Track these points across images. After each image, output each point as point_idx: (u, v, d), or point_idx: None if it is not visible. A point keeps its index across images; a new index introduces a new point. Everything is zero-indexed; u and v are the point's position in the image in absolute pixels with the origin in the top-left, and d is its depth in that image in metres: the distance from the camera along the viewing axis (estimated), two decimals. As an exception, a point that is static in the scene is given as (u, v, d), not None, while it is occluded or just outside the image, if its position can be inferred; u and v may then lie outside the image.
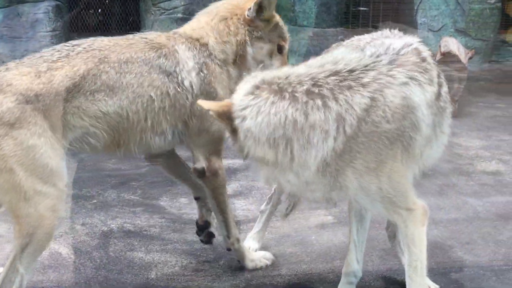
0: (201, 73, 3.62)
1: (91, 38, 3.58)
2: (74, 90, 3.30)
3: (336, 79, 2.87)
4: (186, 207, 4.97)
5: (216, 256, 4.16)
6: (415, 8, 11.12)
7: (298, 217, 4.72)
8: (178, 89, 3.57)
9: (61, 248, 4.25)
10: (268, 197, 4.23)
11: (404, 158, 2.96)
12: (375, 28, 11.21)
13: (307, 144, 2.82)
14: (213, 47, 3.67)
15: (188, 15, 10.37)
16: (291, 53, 10.49)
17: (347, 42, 3.64)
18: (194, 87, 3.59)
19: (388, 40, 3.23)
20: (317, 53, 10.65)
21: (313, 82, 2.86)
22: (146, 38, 3.64)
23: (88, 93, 3.34)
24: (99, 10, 11.19)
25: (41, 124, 3.19)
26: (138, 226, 4.61)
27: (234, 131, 2.92)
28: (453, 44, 8.11)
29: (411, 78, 2.96)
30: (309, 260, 4.15)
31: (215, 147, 3.72)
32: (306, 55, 10.47)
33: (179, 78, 3.56)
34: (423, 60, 3.11)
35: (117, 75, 3.41)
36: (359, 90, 2.85)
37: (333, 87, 2.84)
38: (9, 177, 3.12)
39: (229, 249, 3.96)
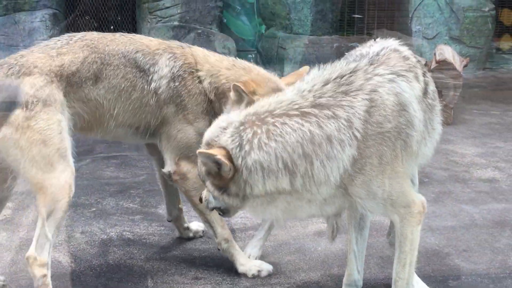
0: (172, 83, 3.84)
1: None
2: (76, 75, 3.69)
3: (332, 86, 2.90)
4: (185, 215, 4.98)
5: (216, 264, 4.18)
6: (410, 15, 11.19)
7: (296, 225, 4.75)
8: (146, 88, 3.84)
9: (61, 256, 4.26)
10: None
11: (404, 157, 3.00)
12: (370, 35, 11.30)
13: (327, 158, 2.79)
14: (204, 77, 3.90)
15: (184, 23, 10.43)
16: (286, 61, 10.56)
17: (343, 59, 3.68)
18: (160, 92, 3.83)
19: (366, 49, 3.30)
20: (312, 60, 10.71)
21: (313, 94, 2.88)
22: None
23: (84, 79, 3.71)
24: (94, 17, 11.22)
25: (61, 102, 3.60)
26: (137, 234, 4.63)
27: (229, 176, 2.81)
28: (448, 52, 8.16)
29: (396, 74, 3.01)
30: (308, 268, 4.17)
31: (183, 152, 3.87)
32: (302, 63, 10.51)
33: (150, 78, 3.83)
34: (405, 58, 3.18)
35: (102, 66, 3.76)
36: (357, 94, 2.88)
37: (333, 95, 2.87)
38: (41, 149, 3.46)
39: (219, 249, 4.06)
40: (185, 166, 3.86)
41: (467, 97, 8.97)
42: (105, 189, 5.47)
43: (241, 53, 10.95)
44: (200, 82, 3.86)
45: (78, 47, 3.76)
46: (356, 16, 11.54)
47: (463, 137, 7.04)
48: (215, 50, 10.44)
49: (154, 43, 3.97)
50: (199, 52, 4.00)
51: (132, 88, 3.83)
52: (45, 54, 3.69)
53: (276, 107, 2.86)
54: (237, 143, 2.78)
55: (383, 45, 3.26)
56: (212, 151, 2.80)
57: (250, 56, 11.27)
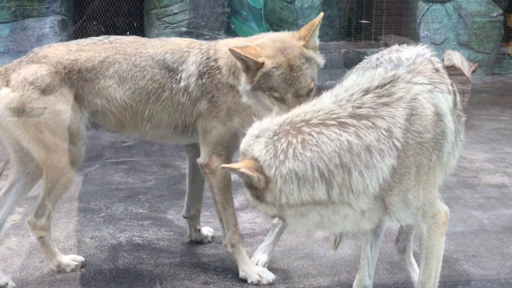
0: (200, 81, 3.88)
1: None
2: (92, 72, 3.85)
3: (372, 97, 2.85)
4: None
5: (225, 269, 4.19)
6: (418, 21, 11.18)
7: (306, 236, 4.75)
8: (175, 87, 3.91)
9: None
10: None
11: (437, 167, 2.99)
12: (377, 41, 11.29)
13: (365, 168, 2.75)
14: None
15: (192, 29, 10.45)
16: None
17: (359, 64, 3.67)
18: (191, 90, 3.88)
19: (396, 54, 3.27)
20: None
21: (352, 105, 2.83)
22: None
23: (101, 77, 3.87)
24: (102, 22, 11.28)
25: (66, 93, 3.81)
26: (146, 239, 4.64)
27: (261, 186, 2.77)
28: (456, 58, 8.15)
29: (433, 85, 3.00)
30: (316, 273, 4.17)
31: (216, 149, 3.89)
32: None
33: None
34: (437, 69, 3.16)
35: (126, 67, 3.89)
36: (398, 104, 2.84)
37: (373, 105, 2.82)
38: (39, 134, 3.77)
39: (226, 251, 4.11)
40: (216, 163, 3.89)
41: (476, 102, 8.96)
42: (114, 194, 5.49)
43: (249, 59, 10.98)
44: (220, 71, 3.86)
45: (103, 47, 3.93)
46: (364, 21, 11.53)
47: (471, 143, 7.02)
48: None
49: (185, 43, 4.02)
50: (221, 42, 4.02)
51: (161, 89, 3.90)
52: (65, 48, 3.93)
53: (312, 117, 2.81)
54: (271, 153, 2.74)
55: (416, 52, 3.21)
56: (235, 165, 2.80)
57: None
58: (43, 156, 3.84)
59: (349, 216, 2.86)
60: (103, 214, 5.04)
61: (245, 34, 11.72)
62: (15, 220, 4.90)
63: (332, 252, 4.33)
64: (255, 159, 2.78)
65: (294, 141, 2.75)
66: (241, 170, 2.73)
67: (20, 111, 3.74)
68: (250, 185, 2.81)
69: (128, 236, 4.67)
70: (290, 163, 2.72)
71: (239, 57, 3.51)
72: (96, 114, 3.97)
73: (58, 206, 5.15)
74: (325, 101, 2.89)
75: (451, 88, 3.19)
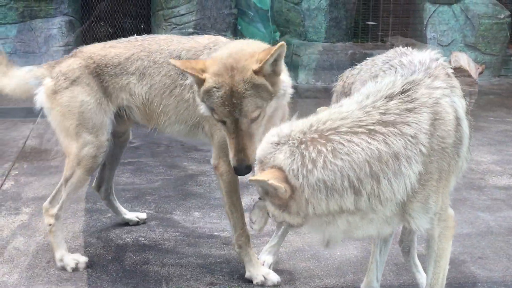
0: None
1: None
2: (118, 67, 4.04)
3: (397, 103, 2.79)
4: (200, 221, 5.01)
5: (231, 269, 4.19)
6: (425, 22, 11.16)
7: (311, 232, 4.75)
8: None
9: (78, 261, 4.29)
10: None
11: (454, 172, 2.99)
12: (384, 42, 11.28)
13: (393, 176, 2.70)
14: None
15: (199, 30, 10.46)
16: (301, 68, 10.56)
17: (360, 65, 3.65)
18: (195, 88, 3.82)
19: (406, 57, 3.23)
20: (326, 67, 10.63)
21: (379, 112, 2.76)
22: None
23: (125, 72, 4.04)
24: (110, 23, 11.32)
25: (93, 86, 4.05)
26: (152, 240, 4.65)
27: (289, 195, 2.68)
28: (463, 59, 8.14)
29: (451, 90, 2.98)
30: (322, 275, 4.17)
31: (221, 152, 3.87)
32: (316, 70, 10.52)
33: None
34: (448, 75, 3.14)
35: (147, 63, 4.01)
36: (421, 109, 2.79)
37: (398, 112, 2.76)
38: (64, 121, 4.07)
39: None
40: (223, 167, 3.89)
41: (483, 104, 8.94)
42: (120, 195, 5.49)
43: (255, 60, 10.98)
44: None
45: (133, 45, 4.09)
46: (371, 23, 11.53)
47: (478, 144, 7.01)
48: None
49: (207, 41, 4.01)
50: (233, 44, 3.90)
51: (173, 85, 3.97)
52: (101, 45, 4.21)
53: (340, 124, 2.72)
54: (298, 162, 2.66)
55: (429, 57, 3.17)
56: (262, 177, 2.67)
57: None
58: (65, 143, 4.13)
59: (373, 222, 2.82)
60: (110, 215, 5.05)
61: (251, 35, 11.71)
62: (22, 221, 4.93)
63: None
64: (279, 168, 2.69)
65: (324, 150, 2.66)
66: (270, 182, 2.63)
67: (52, 98, 4.09)
68: (273, 195, 2.72)
69: (135, 237, 4.68)
70: (319, 173, 2.64)
71: (180, 70, 3.48)
72: (123, 108, 4.15)
73: (66, 206, 5.19)
74: (350, 108, 2.80)
75: (462, 93, 3.18)
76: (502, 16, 10.94)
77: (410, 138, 2.73)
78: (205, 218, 5.04)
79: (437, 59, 3.17)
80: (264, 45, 3.65)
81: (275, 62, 3.28)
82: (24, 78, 4.27)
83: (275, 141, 2.75)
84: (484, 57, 10.85)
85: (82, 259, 4.19)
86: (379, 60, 3.48)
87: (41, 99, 4.16)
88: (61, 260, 4.15)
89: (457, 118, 2.93)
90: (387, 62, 3.33)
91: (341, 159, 2.65)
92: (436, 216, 2.98)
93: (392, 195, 2.73)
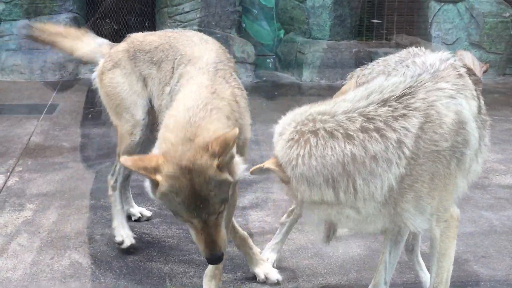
0: None
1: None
2: (147, 54, 4.15)
3: (388, 110, 2.84)
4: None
5: (234, 267, 4.21)
6: (429, 21, 11.13)
7: (314, 229, 4.75)
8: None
9: (82, 258, 4.31)
10: (289, 209, 4.27)
11: (456, 174, 2.98)
12: (389, 40, 11.27)
13: (370, 176, 2.79)
14: None
15: (203, 28, 10.45)
16: (305, 66, 10.56)
17: (372, 65, 3.64)
18: None
19: (419, 58, 3.24)
20: (331, 65, 10.60)
21: (364, 118, 2.83)
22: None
23: (151, 61, 4.13)
24: (114, 20, 11.33)
25: (130, 69, 4.23)
26: (156, 236, 4.66)
27: (287, 181, 2.91)
28: (468, 58, 8.08)
29: (457, 91, 2.97)
30: (325, 272, 4.18)
31: None
32: (320, 68, 10.51)
33: None
34: (461, 75, 3.13)
35: (164, 56, 4.04)
36: (413, 115, 2.83)
37: (386, 119, 2.82)
38: (108, 101, 4.32)
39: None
40: None
41: (487, 103, 8.85)
42: (124, 191, 5.51)
43: (259, 58, 10.97)
44: None
45: (166, 35, 4.22)
46: (375, 21, 11.51)
47: (482, 143, 6.98)
48: (234, 55, 10.50)
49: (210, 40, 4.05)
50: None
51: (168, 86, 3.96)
52: (148, 32, 4.43)
53: (321, 127, 2.84)
54: (287, 157, 2.87)
55: (440, 58, 3.19)
56: (262, 165, 2.94)
57: (268, 60, 11.29)
58: (113, 121, 4.39)
59: (351, 218, 2.93)
60: (114, 212, 5.05)
61: (256, 33, 11.72)
62: (26, 217, 4.94)
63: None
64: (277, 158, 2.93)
65: (302, 151, 2.84)
66: (265, 166, 2.92)
67: (100, 79, 4.37)
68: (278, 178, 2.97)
69: (138, 234, 4.69)
70: (300, 168, 2.83)
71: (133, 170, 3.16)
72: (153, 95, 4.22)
73: (69, 203, 5.21)
74: (340, 108, 2.90)
75: (475, 93, 3.16)
76: (507, 14, 10.91)
77: (392, 142, 2.79)
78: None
79: (447, 60, 3.16)
80: (213, 123, 3.20)
81: (228, 153, 3.01)
82: (93, 50, 4.55)
83: (279, 131, 2.96)
84: (488, 55, 10.82)
85: (128, 240, 4.38)
86: (391, 60, 3.47)
87: (94, 78, 4.44)
88: (113, 229, 4.47)
89: (460, 122, 2.91)
90: (400, 63, 3.33)
91: (316, 159, 2.81)
92: (433, 217, 2.99)
93: (370, 194, 2.82)
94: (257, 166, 2.96)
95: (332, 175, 2.80)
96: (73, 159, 6.40)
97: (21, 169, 6.07)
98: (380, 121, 2.82)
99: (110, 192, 4.58)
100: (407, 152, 2.80)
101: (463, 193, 3.21)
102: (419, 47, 3.51)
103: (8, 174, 5.90)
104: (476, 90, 3.20)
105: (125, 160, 3.10)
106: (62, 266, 4.18)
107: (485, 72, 8.51)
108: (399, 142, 2.79)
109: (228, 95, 3.42)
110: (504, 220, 5.05)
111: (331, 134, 2.82)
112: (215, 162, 2.95)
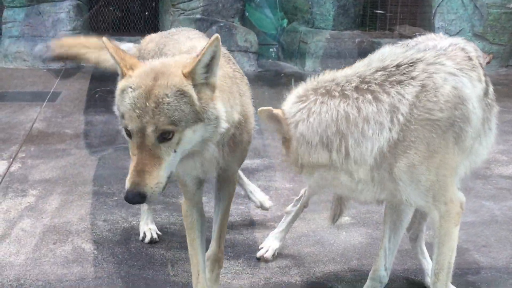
0: None
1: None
2: (158, 52, 3.75)
3: (384, 74, 2.92)
4: (205, 205, 4.98)
5: (236, 254, 4.22)
6: (433, 11, 11.11)
7: (316, 218, 4.78)
8: None
9: (84, 243, 4.33)
10: (295, 199, 4.28)
11: (455, 151, 2.97)
12: (392, 31, 11.24)
13: (362, 138, 2.85)
14: None
15: (206, 16, 10.45)
16: (308, 55, 10.55)
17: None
18: None
19: (433, 42, 3.31)
20: (334, 55, 10.59)
21: (361, 79, 2.92)
22: None
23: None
24: (118, 8, 11.32)
25: None
26: (158, 223, 4.67)
27: (287, 141, 2.98)
28: (471, 49, 8.11)
29: (460, 70, 2.99)
30: (327, 260, 4.20)
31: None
32: (323, 58, 10.50)
33: None
34: (470, 58, 3.14)
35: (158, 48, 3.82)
36: (409, 83, 2.89)
37: (381, 82, 2.89)
38: None
39: None
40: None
41: (489, 94, 8.90)
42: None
43: (262, 47, 10.96)
44: None
45: (169, 34, 3.97)
46: (379, 11, 11.49)
47: (484, 134, 6.99)
48: (236, 44, 10.48)
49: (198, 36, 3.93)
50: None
51: None
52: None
53: (323, 85, 2.96)
54: (291, 112, 2.96)
55: (451, 42, 3.26)
56: (272, 109, 2.97)
57: (271, 50, 11.28)
58: None
59: (346, 185, 3.00)
60: (116, 198, 5.09)
61: (259, 22, 11.68)
62: (29, 202, 4.96)
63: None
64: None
65: (303, 107, 2.94)
66: (275, 112, 2.96)
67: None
68: (283, 141, 3.04)
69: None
70: (300, 127, 2.92)
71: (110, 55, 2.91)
72: None
73: (71, 189, 5.24)
74: (344, 72, 3.03)
75: (483, 78, 3.17)
76: (511, 5, 10.89)
77: (385, 106, 2.85)
78: (210, 202, 5.04)
79: (456, 44, 3.20)
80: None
81: (210, 66, 2.74)
82: None
83: (296, 93, 3.05)
84: (492, 47, 10.80)
85: (149, 235, 4.42)
86: (411, 44, 3.48)
87: None
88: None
89: (459, 96, 2.92)
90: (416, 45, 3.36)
91: (314, 118, 2.90)
92: (429, 193, 2.97)
93: (361, 156, 2.88)
94: (266, 108, 2.98)
95: (327, 135, 2.88)
96: (76, 146, 6.42)
97: (24, 155, 6.09)
98: (376, 84, 2.89)
99: None
100: (401, 118, 2.84)
101: (465, 177, 3.21)
102: (436, 34, 3.55)
103: (11, 160, 5.92)
104: (485, 76, 3.21)
105: (107, 41, 2.91)
106: (64, 251, 4.20)
107: (488, 63, 8.48)
108: (393, 106, 2.85)
109: (229, 70, 3.23)
110: (505, 210, 5.07)
111: (328, 92, 2.92)
112: (187, 69, 2.71)
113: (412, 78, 2.90)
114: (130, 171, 2.65)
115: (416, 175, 2.91)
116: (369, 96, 2.87)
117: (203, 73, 2.73)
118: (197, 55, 2.71)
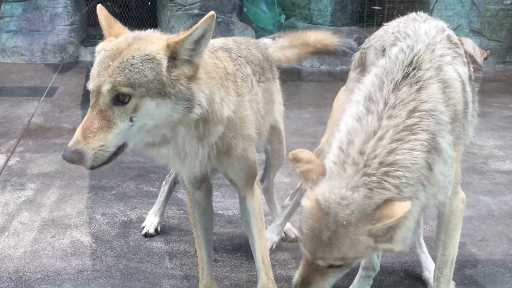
0: None
1: None
2: None
3: (406, 90, 2.69)
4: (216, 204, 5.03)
5: (234, 247, 4.24)
6: (431, 8, 11.13)
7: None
8: None
9: (83, 236, 4.34)
10: (292, 192, 4.29)
11: (462, 139, 2.96)
12: (390, 27, 11.25)
13: (442, 163, 2.67)
14: None
15: (204, 11, 10.44)
16: (306, 51, 10.56)
17: (377, 32, 3.59)
18: None
19: (413, 26, 3.13)
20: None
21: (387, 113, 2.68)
22: None
23: None
24: (116, 3, 11.31)
25: None
26: (156, 217, 4.68)
27: None
28: (468, 45, 8.12)
29: (452, 56, 2.93)
30: (325, 254, 4.21)
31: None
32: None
33: None
34: (454, 43, 3.07)
35: None
36: (430, 82, 2.72)
37: (412, 97, 2.69)
38: None
39: None
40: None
41: (487, 90, 8.94)
42: (125, 172, 5.54)
43: (260, 43, 10.95)
44: None
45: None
46: (376, 7, 11.51)
47: (482, 130, 7.02)
48: (235, 39, 10.43)
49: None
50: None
51: None
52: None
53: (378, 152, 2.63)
54: None
55: (435, 27, 3.07)
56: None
57: (269, 45, 11.27)
58: None
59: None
60: (114, 192, 5.10)
61: (257, 18, 11.67)
62: (27, 196, 4.97)
63: None
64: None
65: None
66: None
67: None
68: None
69: (139, 214, 4.72)
70: None
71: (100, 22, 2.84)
72: None
73: (70, 183, 5.24)
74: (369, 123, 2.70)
75: (465, 61, 3.15)
76: (509, 2, 10.90)
77: (432, 113, 2.65)
78: (222, 200, 5.07)
79: (443, 31, 3.12)
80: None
81: (198, 44, 2.58)
82: None
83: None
84: (489, 43, 10.83)
85: (146, 229, 4.43)
86: (389, 27, 3.41)
87: None
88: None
89: (462, 83, 2.90)
90: (394, 33, 3.25)
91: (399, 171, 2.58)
92: (450, 185, 2.89)
93: (442, 177, 2.69)
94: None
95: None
96: (74, 140, 6.40)
97: (22, 149, 6.09)
98: (410, 100, 2.67)
99: (163, 183, 4.59)
100: (446, 118, 2.68)
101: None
102: (417, 13, 3.41)
103: (9, 154, 5.92)
104: (466, 57, 3.19)
105: (101, 7, 2.90)
106: (63, 245, 4.21)
107: (485, 59, 8.58)
108: (435, 110, 2.66)
109: (230, 66, 3.08)
110: (501, 205, 5.09)
111: (398, 138, 2.62)
112: (176, 39, 2.58)
113: (428, 78, 2.74)
114: (78, 128, 2.52)
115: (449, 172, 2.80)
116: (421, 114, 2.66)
117: (189, 49, 2.57)
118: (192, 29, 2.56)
